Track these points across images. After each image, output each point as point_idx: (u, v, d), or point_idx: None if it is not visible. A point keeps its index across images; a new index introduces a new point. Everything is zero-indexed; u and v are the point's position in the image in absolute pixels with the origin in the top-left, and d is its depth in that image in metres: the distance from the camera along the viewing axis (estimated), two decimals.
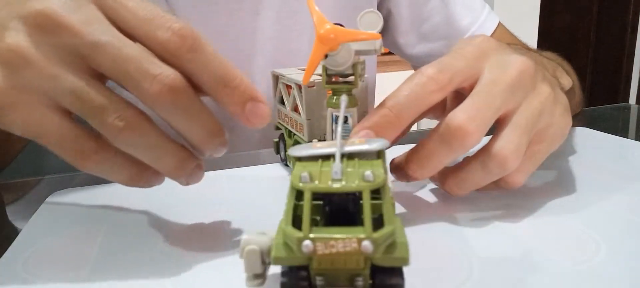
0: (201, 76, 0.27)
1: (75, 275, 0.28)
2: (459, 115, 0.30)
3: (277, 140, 0.45)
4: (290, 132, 0.42)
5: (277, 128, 0.46)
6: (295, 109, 0.40)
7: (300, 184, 0.21)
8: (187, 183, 0.30)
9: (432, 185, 0.39)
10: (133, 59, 0.26)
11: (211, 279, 0.27)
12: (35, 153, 0.32)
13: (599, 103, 0.70)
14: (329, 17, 0.28)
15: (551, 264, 0.27)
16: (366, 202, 0.20)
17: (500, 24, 0.70)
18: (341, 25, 0.29)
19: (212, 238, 0.32)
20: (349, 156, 0.24)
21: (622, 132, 0.56)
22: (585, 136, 0.51)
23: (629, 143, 0.48)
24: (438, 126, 0.31)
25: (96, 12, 0.26)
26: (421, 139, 0.32)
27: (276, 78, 0.44)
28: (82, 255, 0.30)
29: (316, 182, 0.21)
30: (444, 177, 0.33)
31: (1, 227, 0.38)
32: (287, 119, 0.42)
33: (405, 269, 0.27)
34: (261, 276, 0.23)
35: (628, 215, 0.32)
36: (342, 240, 0.20)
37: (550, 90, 0.33)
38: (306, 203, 0.21)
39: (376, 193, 0.21)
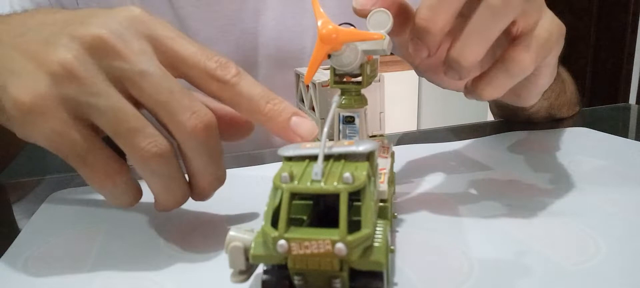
0: (244, 99, 0.29)
1: (75, 275, 0.28)
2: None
3: None
4: None
5: None
6: (312, 108, 0.40)
7: (280, 184, 0.21)
8: (163, 211, 0.31)
9: (433, 186, 0.39)
10: (175, 92, 0.27)
11: (211, 279, 0.27)
12: (38, 153, 0.32)
13: (599, 103, 0.70)
14: (331, 17, 0.28)
15: (551, 264, 0.27)
16: (343, 204, 0.20)
17: None
18: (352, 25, 0.29)
19: (213, 238, 0.32)
20: (337, 157, 0.23)
21: (622, 132, 0.56)
22: (585, 136, 0.51)
23: (629, 143, 0.48)
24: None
25: (147, 46, 0.28)
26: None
27: (297, 76, 0.44)
28: (82, 255, 0.30)
29: (295, 182, 0.21)
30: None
31: (9, 225, 0.38)
32: None
33: (405, 269, 0.27)
34: (246, 272, 0.23)
35: (628, 215, 0.32)
36: (315, 241, 0.20)
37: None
38: (283, 203, 0.21)
39: (357, 195, 0.21)
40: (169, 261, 0.29)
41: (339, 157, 0.23)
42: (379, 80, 0.36)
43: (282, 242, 0.20)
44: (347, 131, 0.32)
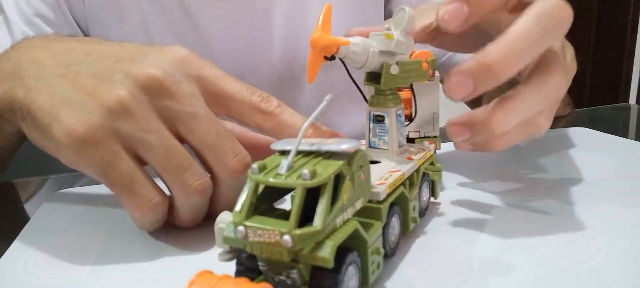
0: (288, 127, 0.31)
1: (75, 275, 0.28)
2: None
3: None
4: None
5: None
6: None
7: (249, 174, 0.22)
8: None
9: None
10: (221, 135, 0.30)
11: None
12: (39, 153, 0.32)
13: (599, 103, 0.70)
14: (335, 13, 0.28)
15: (551, 264, 0.27)
16: (297, 198, 0.21)
17: None
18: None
19: (213, 237, 0.32)
20: (317, 154, 0.24)
21: (622, 132, 0.56)
22: (585, 136, 0.51)
23: (629, 143, 0.48)
24: None
25: (195, 89, 0.30)
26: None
27: None
28: (82, 255, 0.30)
29: (262, 174, 0.22)
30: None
31: (16, 223, 0.38)
32: None
33: (405, 268, 0.27)
34: (231, 252, 0.24)
35: (628, 215, 0.32)
36: (267, 231, 0.21)
37: None
38: (249, 192, 0.22)
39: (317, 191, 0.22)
40: (169, 261, 0.29)
41: (318, 154, 0.24)
42: (434, 79, 0.35)
43: (240, 227, 0.21)
44: (377, 130, 0.31)
